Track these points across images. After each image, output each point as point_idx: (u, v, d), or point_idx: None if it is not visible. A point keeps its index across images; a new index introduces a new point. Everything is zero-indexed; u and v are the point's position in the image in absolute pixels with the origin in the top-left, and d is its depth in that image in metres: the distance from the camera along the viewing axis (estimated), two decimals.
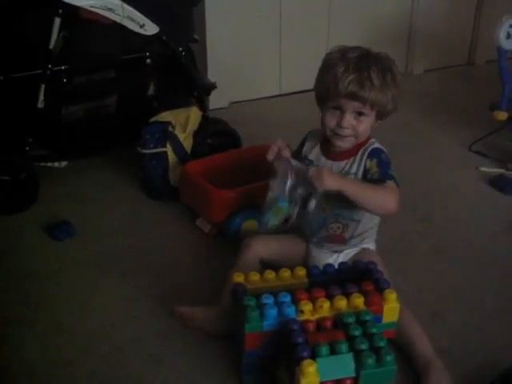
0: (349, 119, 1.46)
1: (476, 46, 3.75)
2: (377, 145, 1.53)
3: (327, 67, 1.47)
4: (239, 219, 1.86)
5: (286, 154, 1.50)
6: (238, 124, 2.46)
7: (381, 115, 1.50)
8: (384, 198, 1.45)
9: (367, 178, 1.50)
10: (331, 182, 1.40)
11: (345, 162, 1.53)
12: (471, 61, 3.81)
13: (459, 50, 3.77)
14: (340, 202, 1.49)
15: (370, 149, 1.51)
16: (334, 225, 1.57)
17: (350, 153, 1.53)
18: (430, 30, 3.56)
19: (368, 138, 1.53)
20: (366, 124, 1.48)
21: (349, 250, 1.59)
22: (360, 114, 1.46)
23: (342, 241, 1.59)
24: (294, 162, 1.49)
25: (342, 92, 1.42)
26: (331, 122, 1.48)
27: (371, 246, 1.63)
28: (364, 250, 1.60)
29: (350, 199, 1.43)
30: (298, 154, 1.62)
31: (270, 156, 1.51)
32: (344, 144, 1.51)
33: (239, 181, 1.96)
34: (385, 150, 1.53)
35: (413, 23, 3.54)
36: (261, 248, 1.60)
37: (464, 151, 2.57)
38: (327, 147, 1.57)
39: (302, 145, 1.64)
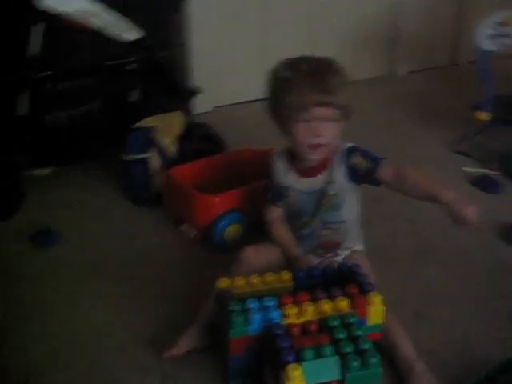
0: (323, 127, 1.46)
1: (459, 47, 3.78)
2: (346, 144, 1.53)
3: (284, 86, 1.45)
4: (223, 224, 1.86)
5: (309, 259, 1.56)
6: (221, 128, 2.46)
7: (346, 116, 1.49)
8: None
9: (359, 171, 1.49)
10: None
11: (323, 174, 1.54)
12: (455, 61, 3.84)
13: (443, 50, 3.81)
14: (326, 209, 1.52)
15: (344, 149, 1.52)
16: (324, 231, 1.59)
17: (324, 164, 1.53)
18: (414, 32, 3.58)
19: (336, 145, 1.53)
20: (336, 129, 1.48)
21: (343, 255, 1.60)
22: (328, 120, 1.46)
23: (335, 246, 1.60)
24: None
25: (310, 102, 1.42)
26: (306, 135, 1.47)
27: (360, 247, 1.65)
28: (354, 252, 1.62)
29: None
30: (277, 185, 1.62)
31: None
32: (319, 156, 1.51)
33: (224, 185, 1.96)
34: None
35: (397, 25, 3.57)
36: (254, 262, 1.56)
37: (448, 152, 2.59)
38: (297, 167, 1.58)
39: (274, 176, 1.63)
